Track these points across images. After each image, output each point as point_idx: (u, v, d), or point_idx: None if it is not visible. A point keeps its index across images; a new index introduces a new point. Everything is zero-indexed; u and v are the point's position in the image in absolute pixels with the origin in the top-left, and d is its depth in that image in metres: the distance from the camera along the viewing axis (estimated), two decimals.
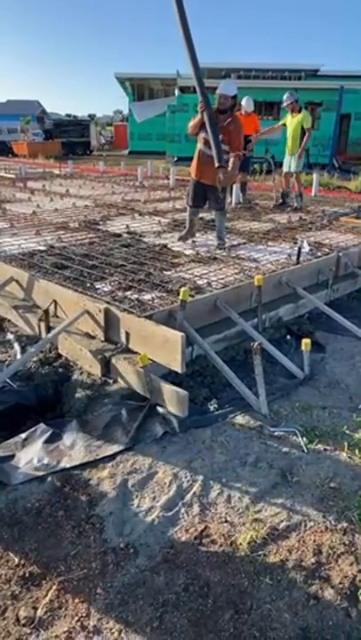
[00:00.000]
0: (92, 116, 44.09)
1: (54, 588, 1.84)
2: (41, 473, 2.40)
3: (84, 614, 1.74)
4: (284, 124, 8.05)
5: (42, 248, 5.01)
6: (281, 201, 8.41)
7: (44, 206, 7.71)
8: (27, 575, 1.90)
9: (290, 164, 8.07)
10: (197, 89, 4.85)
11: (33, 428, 2.70)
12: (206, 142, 5.03)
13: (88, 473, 2.41)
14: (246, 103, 8.08)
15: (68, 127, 30.17)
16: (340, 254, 4.90)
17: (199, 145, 5.14)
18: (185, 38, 4.62)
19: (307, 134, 7.82)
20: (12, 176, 12.33)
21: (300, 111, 7.84)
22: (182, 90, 21.20)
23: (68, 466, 2.45)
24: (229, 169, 5.05)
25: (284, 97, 7.87)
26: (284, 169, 8.25)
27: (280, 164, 8.72)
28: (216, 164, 4.76)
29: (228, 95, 4.98)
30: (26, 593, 1.83)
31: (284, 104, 7.89)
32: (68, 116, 40.31)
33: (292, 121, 7.87)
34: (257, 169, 12.22)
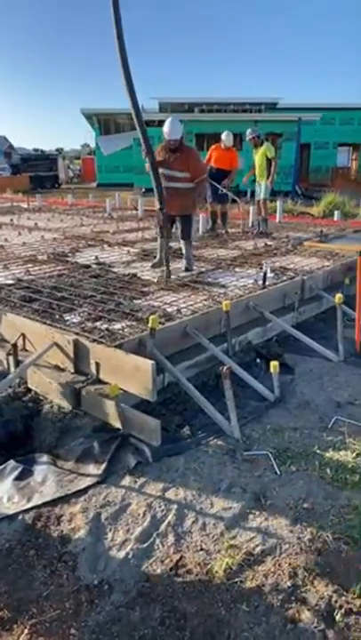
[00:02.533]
0: (59, 150, 44.52)
1: (26, 631, 1.78)
2: (11, 512, 2.34)
3: None
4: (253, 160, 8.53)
5: (9, 282, 4.99)
6: (264, 228, 8.72)
7: (12, 240, 7.70)
8: None
9: (260, 192, 8.50)
10: (141, 137, 4.95)
11: (2, 466, 2.64)
12: (168, 177, 5.22)
13: (60, 509, 2.36)
14: (226, 138, 8.36)
15: (35, 161, 30.39)
16: (305, 278, 5.04)
17: (162, 180, 5.28)
18: (128, 90, 4.68)
19: (273, 163, 8.40)
20: None
21: (262, 144, 8.32)
22: (147, 123, 21.79)
23: (39, 502, 2.39)
24: (197, 195, 5.40)
25: (247, 132, 8.36)
26: (256, 197, 8.67)
27: (244, 193, 9.07)
28: (157, 207, 5.10)
29: (174, 139, 5.15)
30: None
31: (248, 138, 8.33)
32: (36, 150, 40.59)
33: (256, 153, 8.44)
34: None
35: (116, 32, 4.55)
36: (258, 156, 8.42)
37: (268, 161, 8.35)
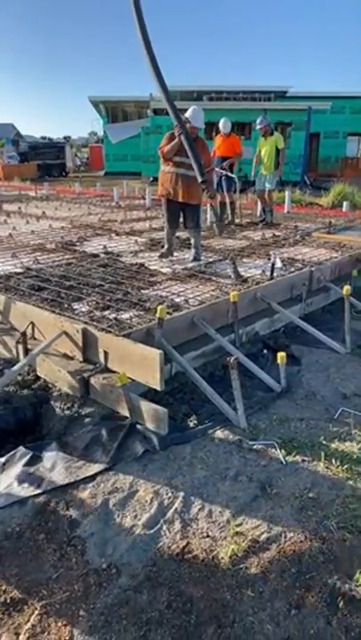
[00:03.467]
0: (67, 138, 44.35)
1: (36, 612, 1.83)
2: (21, 497, 2.39)
3: (67, 638, 1.73)
4: (259, 149, 8.37)
5: (18, 270, 5.02)
6: (269, 219, 8.65)
7: (20, 229, 7.72)
8: (8, 601, 1.88)
9: (266, 181, 8.35)
10: (171, 114, 5.00)
11: (12, 452, 2.69)
12: (180, 164, 5.20)
13: (69, 494, 2.41)
14: (223, 125, 8.29)
15: (43, 149, 30.28)
16: (313, 269, 5.03)
17: (170, 167, 5.29)
18: (152, 68, 4.75)
19: (282, 153, 8.27)
20: None
21: (272, 134, 8.19)
22: (155, 112, 21.58)
23: (48, 488, 2.44)
24: (209, 186, 5.40)
25: (258, 121, 8.21)
26: (259, 187, 8.53)
27: (252, 183, 8.99)
28: (200, 180, 5.02)
29: (198, 127, 5.26)
30: (7, 619, 1.81)
31: (258, 127, 8.18)
32: (44, 138, 40.47)
33: (265, 143, 8.24)
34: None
35: (136, 14, 4.52)
36: (267, 146, 8.22)
37: (277, 151, 8.24)
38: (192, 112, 5.25)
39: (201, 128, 5.33)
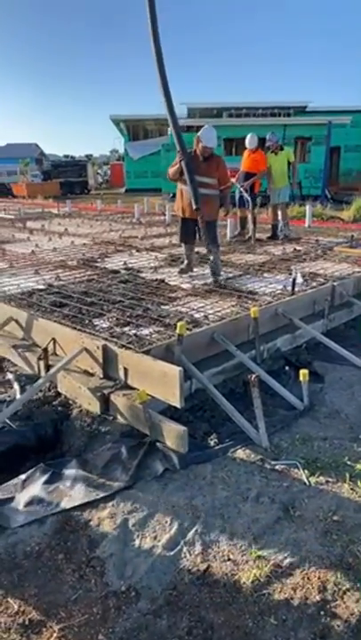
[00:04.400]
0: (89, 157, 45.36)
1: (55, 635, 1.80)
2: (41, 515, 2.38)
3: None
4: (269, 165, 8.38)
5: (41, 287, 5.10)
6: (272, 233, 8.67)
7: (42, 246, 7.87)
8: (26, 623, 1.86)
9: (279, 195, 8.38)
10: (175, 139, 5.11)
11: (33, 469, 2.69)
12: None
13: (88, 513, 2.39)
14: (248, 141, 8.35)
15: (65, 168, 31.01)
16: (335, 284, 4.97)
17: (181, 185, 5.41)
18: (165, 98, 4.85)
19: (293, 166, 8.44)
20: (12, 216, 12.61)
21: (282, 149, 8.32)
22: None
23: (68, 507, 2.43)
24: (223, 201, 5.52)
25: (267, 137, 8.31)
26: (274, 201, 8.53)
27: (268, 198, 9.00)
28: (194, 207, 5.15)
29: (211, 147, 5.33)
30: None
31: (267, 144, 8.28)
32: (66, 156, 41.43)
33: (276, 159, 8.31)
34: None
35: (152, 32, 4.59)
36: (278, 162, 8.31)
37: (288, 165, 8.34)
38: (203, 132, 5.33)
39: (213, 147, 5.38)
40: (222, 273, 5.70)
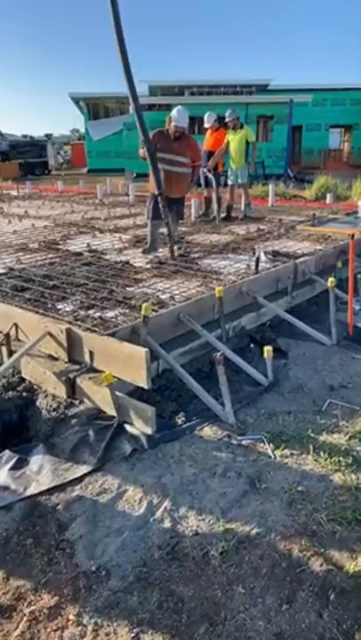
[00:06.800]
0: (48, 136, 43.95)
1: (25, 618, 1.80)
2: (8, 502, 2.35)
3: None
4: (227, 142, 8.25)
5: (1, 271, 4.95)
6: (226, 214, 8.49)
7: (1, 229, 7.62)
8: None
9: (237, 176, 8.31)
10: (138, 127, 5.00)
11: None
12: (167, 160, 5.36)
13: (56, 497, 2.37)
14: (206, 119, 8.24)
15: (24, 148, 29.88)
16: (298, 262, 5.04)
17: (160, 164, 5.31)
18: (126, 79, 4.72)
19: (254, 147, 8.26)
20: None
21: (241, 127, 8.15)
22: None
23: (35, 491, 2.40)
24: (190, 180, 5.68)
25: (227, 114, 8.15)
26: (231, 182, 8.47)
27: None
28: (156, 192, 5.18)
29: (182, 127, 5.44)
30: None
31: (227, 120, 8.14)
32: (25, 136, 39.98)
33: (234, 137, 8.15)
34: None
35: (112, 12, 4.43)
36: (236, 140, 8.11)
37: (247, 145, 8.18)
38: (175, 112, 5.44)
39: (184, 127, 5.47)
40: (188, 250, 5.73)
